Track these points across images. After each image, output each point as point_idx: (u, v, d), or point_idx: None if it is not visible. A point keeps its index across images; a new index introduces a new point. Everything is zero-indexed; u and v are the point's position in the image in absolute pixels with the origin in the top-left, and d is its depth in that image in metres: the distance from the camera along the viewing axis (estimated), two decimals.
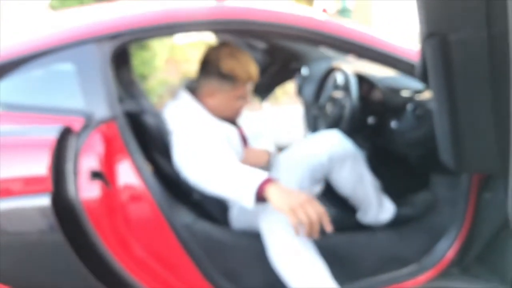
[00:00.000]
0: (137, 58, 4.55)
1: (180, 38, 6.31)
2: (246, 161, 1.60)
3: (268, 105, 4.99)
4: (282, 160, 1.67)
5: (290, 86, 3.65)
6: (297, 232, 1.22)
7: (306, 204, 1.21)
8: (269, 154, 1.67)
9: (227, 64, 1.48)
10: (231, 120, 1.61)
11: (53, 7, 4.74)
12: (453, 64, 0.99)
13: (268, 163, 1.64)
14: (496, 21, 0.91)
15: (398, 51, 1.44)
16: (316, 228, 1.21)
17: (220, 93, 1.52)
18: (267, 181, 1.26)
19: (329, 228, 1.23)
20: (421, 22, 1.04)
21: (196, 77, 1.57)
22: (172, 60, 5.92)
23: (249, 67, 1.51)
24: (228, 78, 1.50)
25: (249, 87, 1.56)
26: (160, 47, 5.23)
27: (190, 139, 1.41)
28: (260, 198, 1.25)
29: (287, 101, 5.38)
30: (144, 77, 4.78)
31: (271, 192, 1.24)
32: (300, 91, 2.53)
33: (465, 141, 1.09)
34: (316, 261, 1.39)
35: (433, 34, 1.00)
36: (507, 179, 0.83)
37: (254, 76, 1.53)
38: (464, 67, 0.99)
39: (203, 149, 1.38)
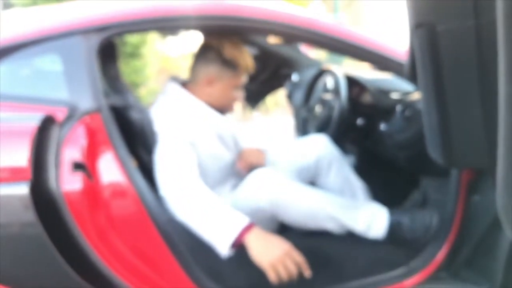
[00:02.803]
0: (129, 67, 4.56)
1: (173, 50, 6.34)
2: (245, 160, 1.65)
3: (259, 114, 4.99)
4: (270, 162, 1.67)
5: (281, 97, 3.66)
6: (276, 282, 1.23)
7: (285, 257, 1.23)
8: (265, 153, 1.70)
9: (230, 51, 1.49)
10: (224, 112, 1.60)
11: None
12: (441, 54, 0.98)
13: (265, 162, 1.67)
14: (484, 10, 0.91)
15: (387, 51, 1.44)
16: (295, 277, 1.24)
17: (220, 81, 1.52)
18: (246, 229, 1.26)
19: (307, 274, 1.25)
20: (409, 13, 1.04)
21: (192, 65, 1.56)
22: (164, 70, 5.92)
23: (248, 57, 1.53)
24: (230, 65, 1.50)
25: (245, 79, 1.56)
26: (151, 56, 5.24)
27: (173, 160, 1.38)
28: (236, 245, 1.26)
29: (278, 113, 5.40)
30: (135, 86, 4.78)
31: (250, 242, 1.25)
32: (290, 97, 2.53)
33: (454, 135, 1.08)
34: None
35: (421, 25, 0.99)
36: (496, 176, 0.82)
37: (251, 68, 1.55)
38: (452, 57, 0.98)
39: (185, 179, 1.35)
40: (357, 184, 1.72)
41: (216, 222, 1.28)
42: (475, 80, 0.97)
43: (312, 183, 1.69)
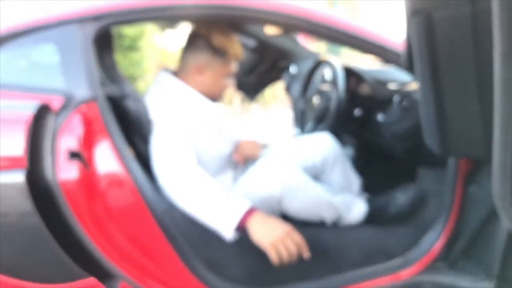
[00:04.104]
0: (127, 59, 4.54)
1: (171, 43, 6.32)
2: (241, 152, 1.65)
3: (257, 107, 4.98)
4: (275, 157, 1.67)
5: (279, 90, 3.65)
6: (277, 262, 1.24)
7: (285, 237, 1.24)
8: (261, 146, 1.71)
9: (219, 39, 1.49)
10: (214, 100, 1.60)
11: None
12: (437, 42, 0.98)
13: (260, 154, 1.68)
14: None
15: (384, 41, 1.43)
16: (295, 257, 1.26)
17: (210, 69, 1.52)
18: (249, 213, 1.26)
19: (307, 255, 1.27)
20: (406, 1, 1.03)
21: (182, 55, 1.56)
22: (162, 64, 5.91)
23: (237, 45, 1.53)
24: (220, 53, 1.50)
25: (235, 66, 1.57)
26: (149, 49, 5.23)
27: (170, 148, 1.37)
28: (240, 229, 1.26)
29: (277, 105, 5.38)
30: (133, 79, 4.77)
31: (252, 225, 1.25)
32: (288, 89, 2.53)
33: (450, 124, 1.08)
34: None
35: (418, 12, 0.99)
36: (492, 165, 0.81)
37: (240, 56, 1.55)
38: (449, 45, 0.98)
39: (183, 166, 1.35)
40: (354, 180, 1.75)
41: (218, 206, 1.28)
42: (471, 67, 0.97)
43: (315, 179, 1.70)
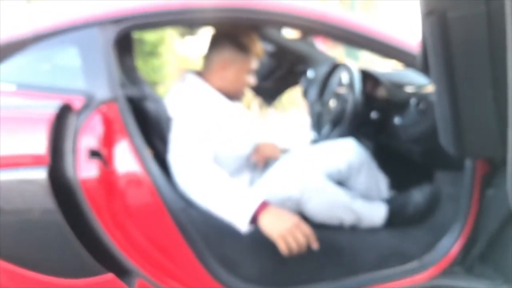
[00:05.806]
0: (147, 65, 4.60)
1: (192, 51, 6.38)
2: (261, 153, 1.69)
3: (275, 112, 4.98)
4: (294, 159, 1.68)
5: (297, 96, 3.64)
6: (287, 253, 1.28)
7: (294, 229, 1.28)
8: (281, 149, 1.74)
9: (243, 36, 1.56)
10: (236, 98, 1.64)
11: None
12: (452, 41, 0.98)
13: (279, 156, 1.71)
14: None
15: (400, 43, 1.43)
16: (304, 248, 1.29)
17: (233, 65, 1.57)
18: (262, 206, 1.30)
19: (315, 246, 1.30)
20: (420, 1, 1.03)
21: (206, 54, 1.61)
22: (183, 70, 5.95)
23: (258, 43, 1.59)
24: (243, 49, 1.56)
25: (256, 64, 1.62)
26: (170, 56, 5.29)
27: (188, 144, 1.41)
28: (254, 221, 1.29)
29: (294, 111, 5.38)
30: (153, 84, 4.83)
31: (263, 218, 1.28)
32: (305, 93, 2.53)
33: (465, 124, 1.07)
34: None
35: (432, 12, 0.99)
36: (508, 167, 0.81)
37: (261, 53, 1.61)
38: (463, 44, 0.98)
39: (200, 163, 1.38)
40: (382, 181, 1.76)
41: (233, 198, 1.32)
42: (486, 67, 0.97)
43: (340, 185, 1.71)
